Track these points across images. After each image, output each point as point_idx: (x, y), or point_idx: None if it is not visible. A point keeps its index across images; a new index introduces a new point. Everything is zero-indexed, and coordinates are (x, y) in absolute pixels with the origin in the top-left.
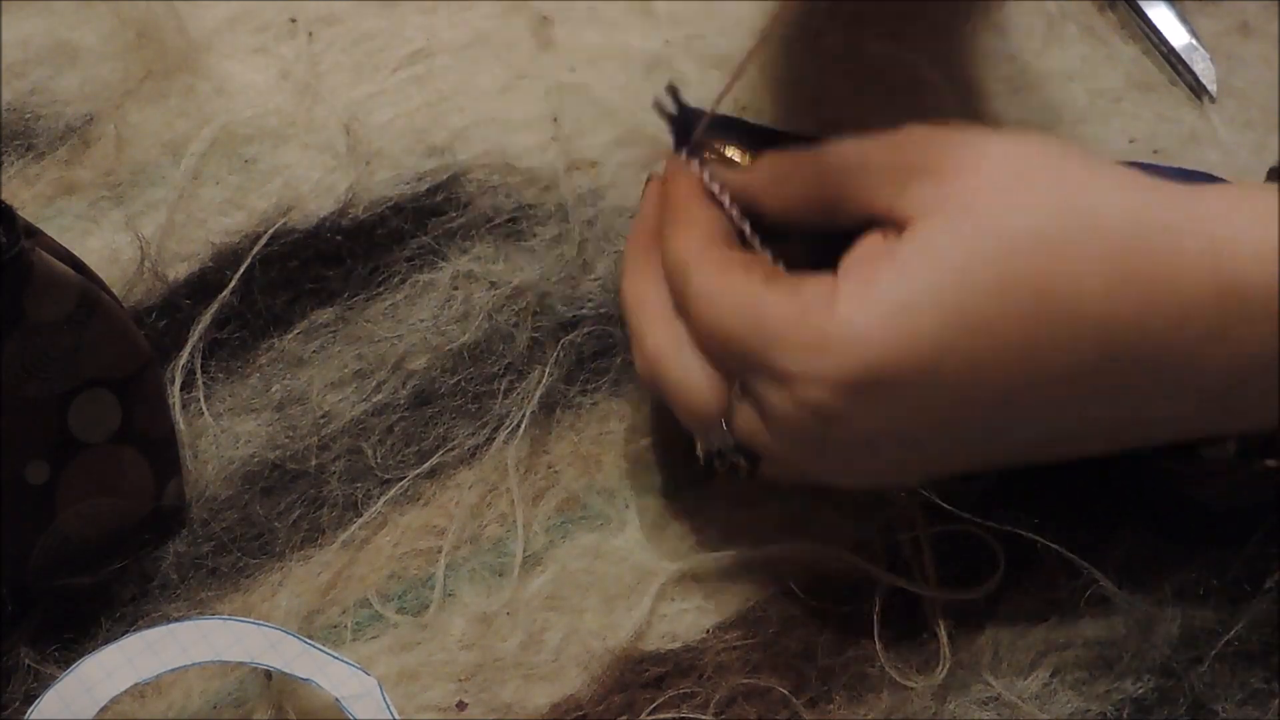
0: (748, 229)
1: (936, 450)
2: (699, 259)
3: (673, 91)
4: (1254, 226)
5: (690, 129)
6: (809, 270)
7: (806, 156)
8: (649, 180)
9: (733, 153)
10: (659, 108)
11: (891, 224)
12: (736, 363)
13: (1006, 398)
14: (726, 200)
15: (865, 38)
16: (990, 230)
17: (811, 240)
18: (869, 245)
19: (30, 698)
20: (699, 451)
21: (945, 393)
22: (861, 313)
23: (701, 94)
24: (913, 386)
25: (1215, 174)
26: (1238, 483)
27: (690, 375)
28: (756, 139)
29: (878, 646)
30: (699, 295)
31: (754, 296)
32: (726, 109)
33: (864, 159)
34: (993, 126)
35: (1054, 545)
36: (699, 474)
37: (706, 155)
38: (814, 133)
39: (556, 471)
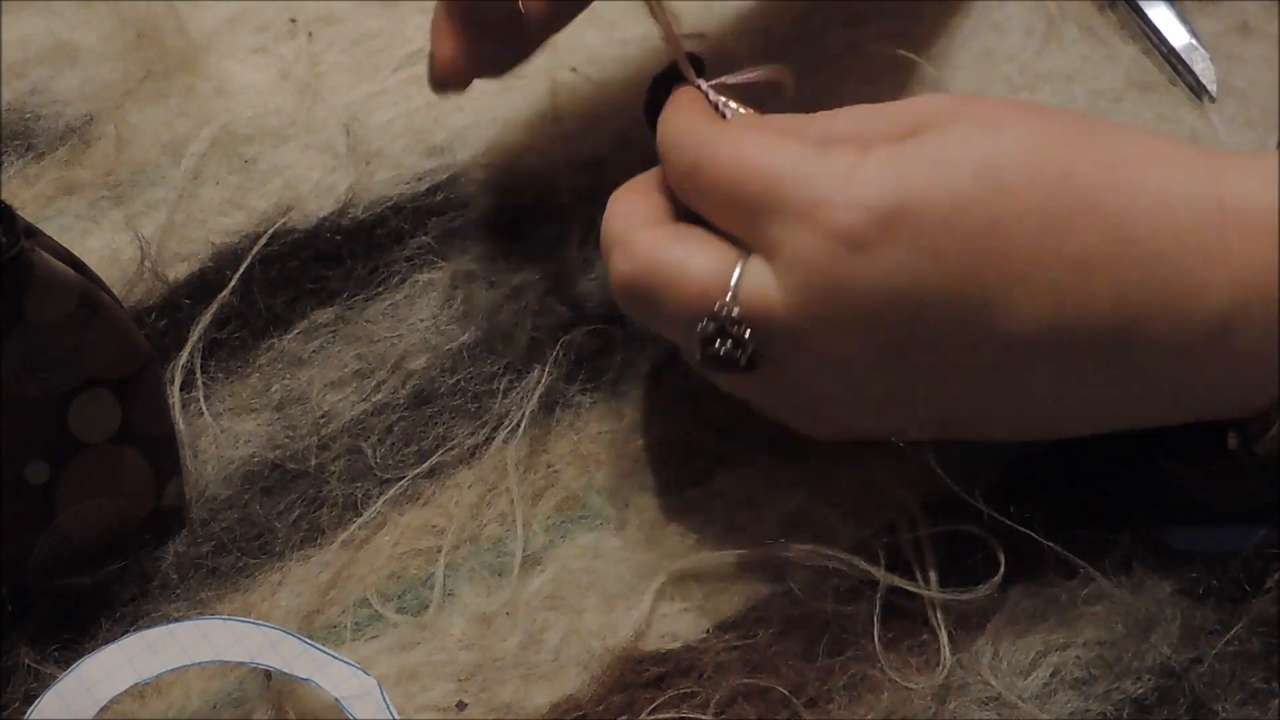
0: None
1: (941, 338)
2: (717, 122)
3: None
4: (1254, 163)
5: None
6: None
7: (814, 118)
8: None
9: (735, 105)
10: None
11: None
12: (759, 201)
13: (1019, 266)
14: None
15: (865, 37)
16: (1016, 122)
17: None
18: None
19: (30, 698)
20: (695, 344)
21: (963, 245)
22: (897, 159)
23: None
24: (936, 232)
25: None
26: (1239, 481)
27: (691, 253)
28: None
29: (878, 646)
30: (728, 140)
31: (783, 140)
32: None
33: (888, 107)
34: None
35: (1053, 545)
36: (699, 473)
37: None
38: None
39: (556, 471)
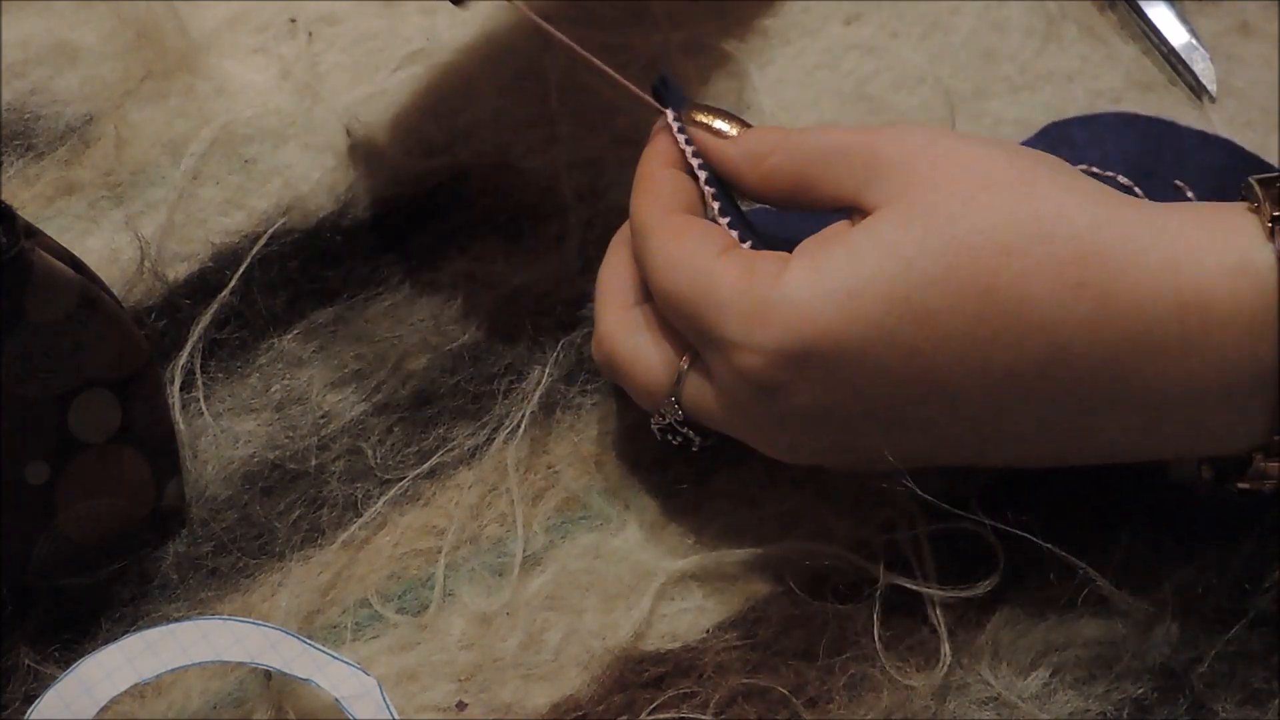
0: (713, 203)
1: (877, 435)
2: (658, 222)
3: (662, 77)
4: (1219, 242)
5: (678, 104)
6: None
7: (793, 134)
8: None
9: (721, 123)
10: (653, 92)
11: (857, 212)
12: (687, 328)
13: (948, 388)
14: (701, 172)
15: (864, 36)
16: (944, 226)
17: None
18: (830, 230)
19: (30, 698)
20: (653, 428)
21: (883, 378)
22: (805, 289)
23: (702, 95)
24: (849, 367)
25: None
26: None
27: (640, 355)
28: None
29: (878, 646)
30: (655, 257)
31: (706, 263)
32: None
33: (846, 146)
34: (985, 130)
35: (1052, 545)
36: (699, 473)
37: (695, 119)
38: None
39: (556, 471)
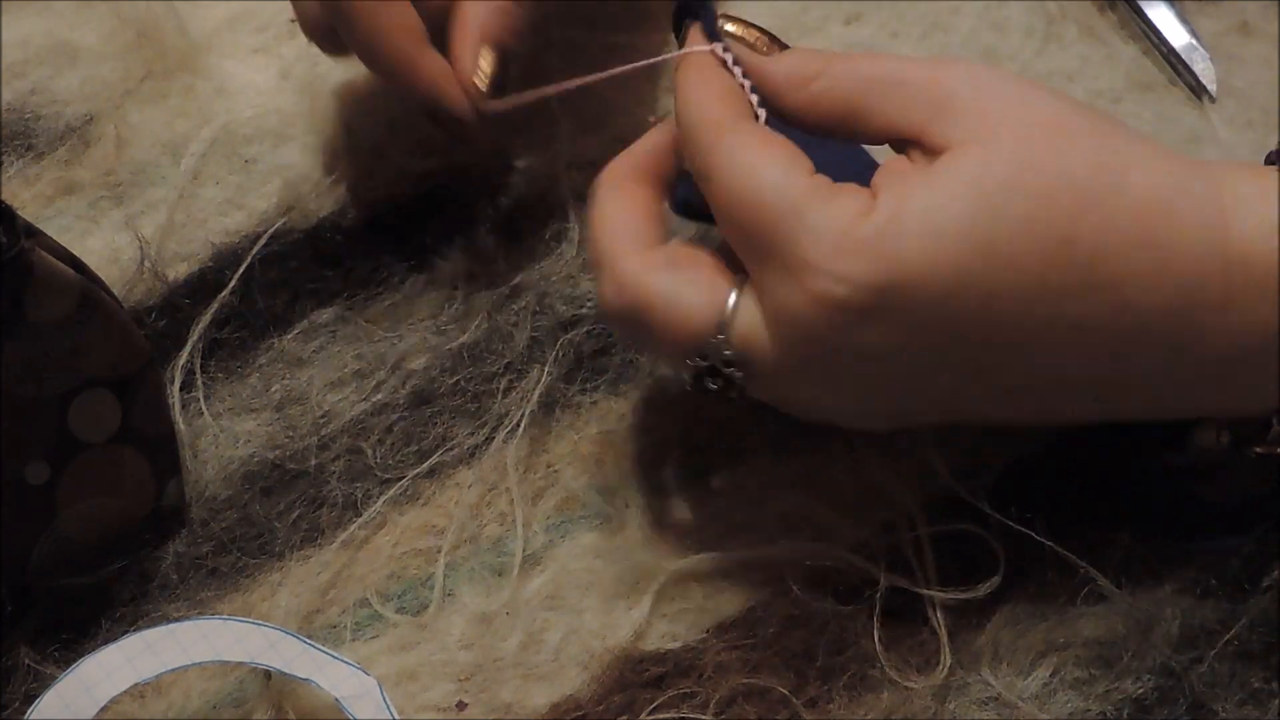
0: (763, 118)
1: (930, 380)
2: (734, 124)
3: None
4: (1260, 201)
5: (710, 28)
6: None
7: (843, 58)
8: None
9: (754, 37)
10: (680, 9)
11: (917, 147)
12: (757, 243)
13: (1014, 336)
14: (753, 95)
15: (864, 36)
16: (1027, 169)
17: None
18: (900, 166)
19: (30, 698)
20: (686, 375)
21: (953, 321)
22: (895, 226)
23: None
24: (924, 307)
25: None
26: (1237, 474)
27: (679, 291)
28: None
29: (878, 646)
30: (734, 159)
31: (798, 181)
32: None
33: (904, 75)
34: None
35: (1053, 545)
36: (699, 473)
37: (727, 31)
38: None
39: (556, 471)
